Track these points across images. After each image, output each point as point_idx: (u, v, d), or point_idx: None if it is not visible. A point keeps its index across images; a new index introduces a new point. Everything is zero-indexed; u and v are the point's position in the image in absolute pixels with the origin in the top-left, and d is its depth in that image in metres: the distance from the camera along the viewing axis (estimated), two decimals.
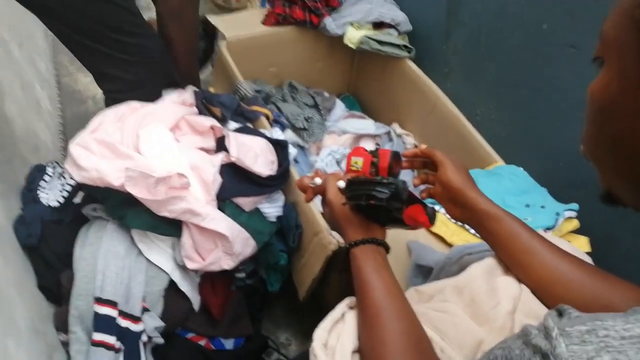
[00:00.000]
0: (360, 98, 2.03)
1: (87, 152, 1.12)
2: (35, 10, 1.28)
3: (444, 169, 0.83)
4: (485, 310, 0.74)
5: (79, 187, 1.25)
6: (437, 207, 1.12)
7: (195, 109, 1.34)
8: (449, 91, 1.60)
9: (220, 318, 1.21)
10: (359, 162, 0.84)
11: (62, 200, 1.28)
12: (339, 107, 1.88)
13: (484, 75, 1.54)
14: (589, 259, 0.81)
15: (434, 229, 1.14)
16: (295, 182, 0.92)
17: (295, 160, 1.61)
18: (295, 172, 1.31)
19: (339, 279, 1.23)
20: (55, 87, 2.13)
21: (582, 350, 0.35)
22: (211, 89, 1.72)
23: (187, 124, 1.30)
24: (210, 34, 1.81)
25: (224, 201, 1.18)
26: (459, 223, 1.15)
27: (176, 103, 1.33)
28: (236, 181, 1.20)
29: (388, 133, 1.81)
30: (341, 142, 1.73)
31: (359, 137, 1.78)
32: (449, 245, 1.14)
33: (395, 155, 0.84)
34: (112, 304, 1.05)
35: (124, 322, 1.06)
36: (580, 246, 1.11)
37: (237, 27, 1.74)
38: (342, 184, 0.80)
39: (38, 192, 1.30)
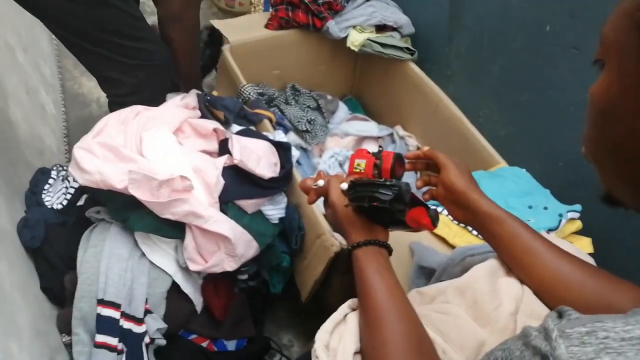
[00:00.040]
0: (363, 100, 2.03)
1: (90, 155, 1.13)
2: (39, 14, 1.29)
3: (447, 171, 0.83)
4: (487, 312, 0.74)
5: (82, 189, 1.26)
6: (439, 209, 1.13)
7: (198, 112, 1.35)
8: (452, 93, 1.60)
9: (222, 320, 1.21)
10: (361, 164, 0.84)
11: (65, 202, 1.29)
12: (342, 109, 1.89)
13: (486, 77, 1.54)
14: (591, 260, 0.81)
15: (437, 230, 1.14)
16: (298, 184, 0.92)
17: (298, 163, 1.61)
18: (297, 174, 1.31)
19: (341, 281, 1.23)
20: (59, 91, 2.14)
21: (581, 352, 0.35)
22: (215, 93, 1.72)
23: (190, 127, 1.30)
24: (217, 40, 1.82)
25: (226, 203, 1.18)
26: (462, 224, 1.15)
27: (179, 106, 1.33)
28: (239, 183, 1.21)
29: (391, 135, 1.81)
30: (344, 144, 1.73)
31: (362, 139, 1.78)
32: (452, 246, 1.13)
33: (398, 158, 0.84)
34: (114, 305, 1.06)
35: (126, 324, 1.06)
36: (583, 247, 1.10)
37: (241, 31, 1.75)
38: (344, 185, 0.80)
39: (42, 195, 1.31)
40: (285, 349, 1.48)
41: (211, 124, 1.29)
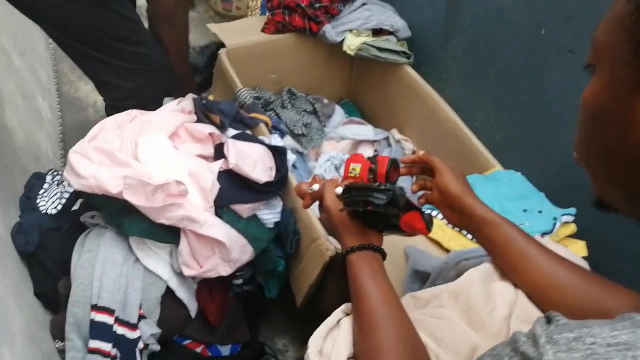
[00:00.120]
0: (360, 104, 2.03)
1: (86, 160, 1.13)
2: (37, 18, 1.29)
3: (442, 175, 0.83)
4: (481, 316, 0.74)
5: (77, 194, 1.25)
6: (434, 213, 1.13)
7: (194, 117, 1.35)
8: (448, 97, 1.60)
9: (217, 325, 1.21)
10: (357, 168, 0.84)
11: (60, 207, 1.29)
12: (339, 113, 1.89)
13: (483, 81, 1.55)
14: (585, 264, 0.81)
15: (432, 234, 1.14)
16: (294, 189, 0.92)
17: (294, 167, 1.61)
18: (294, 179, 1.31)
19: (336, 285, 1.22)
20: (56, 96, 2.14)
21: (569, 358, 0.35)
22: (211, 97, 1.72)
23: (186, 131, 1.30)
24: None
25: (222, 208, 1.18)
26: (457, 228, 1.15)
27: (175, 111, 1.33)
28: (234, 188, 1.20)
29: (387, 139, 1.81)
30: (340, 148, 1.74)
31: (358, 143, 1.78)
32: (447, 250, 1.14)
33: (394, 163, 0.84)
34: (109, 311, 1.05)
35: (120, 330, 1.05)
36: (577, 251, 1.10)
37: (238, 35, 1.75)
38: (339, 190, 0.80)
39: (37, 200, 1.31)
40: (280, 354, 1.48)
41: (207, 129, 1.29)
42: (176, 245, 1.12)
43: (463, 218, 0.81)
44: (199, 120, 1.34)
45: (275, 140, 1.43)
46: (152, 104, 1.43)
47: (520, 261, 0.74)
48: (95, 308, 1.05)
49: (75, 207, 1.29)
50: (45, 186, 1.36)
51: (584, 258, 0.87)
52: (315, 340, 0.71)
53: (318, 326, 0.74)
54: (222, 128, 1.34)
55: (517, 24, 1.37)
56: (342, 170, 1.63)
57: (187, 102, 1.36)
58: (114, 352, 1.04)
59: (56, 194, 1.32)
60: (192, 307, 1.17)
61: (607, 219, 0.53)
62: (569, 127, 1.26)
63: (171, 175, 1.11)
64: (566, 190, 1.27)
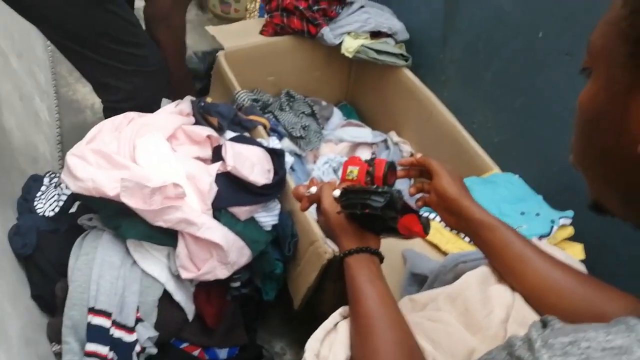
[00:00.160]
0: (358, 107, 2.03)
1: (83, 162, 1.13)
2: (34, 20, 1.29)
3: (439, 178, 0.83)
4: (478, 319, 0.74)
5: (74, 197, 1.25)
6: (432, 215, 1.13)
7: (192, 119, 1.35)
8: (446, 99, 1.60)
9: (215, 328, 1.20)
10: (354, 171, 0.84)
11: (57, 210, 1.28)
12: (337, 115, 1.89)
13: (480, 83, 1.55)
14: (582, 267, 0.81)
15: (429, 237, 1.14)
16: (291, 191, 0.92)
17: (292, 169, 1.61)
18: (292, 181, 1.31)
19: (334, 288, 1.22)
20: (53, 98, 2.14)
21: None
22: (209, 99, 1.72)
23: (184, 133, 1.30)
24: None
25: (219, 210, 1.18)
26: (454, 231, 1.15)
27: (173, 113, 1.33)
28: (232, 190, 1.20)
29: (385, 141, 1.81)
30: (338, 150, 1.74)
31: (356, 145, 1.78)
32: (444, 253, 1.14)
33: (391, 165, 0.84)
34: (105, 314, 1.05)
35: (117, 333, 1.05)
36: (574, 253, 1.11)
37: (236, 37, 1.75)
38: (337, 192, 0.80)
39: (34, 202, 1.31)
40: (278, 357, 1.47)
41: (205, 131, 1.29)
42: (173, 248, 1.12)
43: (460, 221, 0.81)
44: (196, 123, 1.34)
45: (273, 142, 1.43)
46: (150, 105, 1.43)
47: (517, 264, 0.74)
48: (92, 311, 1.05)
49: (73, 210, 1.29)
50: (43, 188, 1.36)
51: (581, 261, 0.87)
52: (313, 343, 0.71)
53: (315, 329, 0.74)
54: (220, 130, 1.34)
55: (514, 26, 1.38)
56: (340, 173, 1.63)
57: (185, 104, 1.36)
58: (111, 355, 1.04)
59: (53, 196, 1.32)
60: (189, 309, 1.16)
61: (604, 221, 0.53)
62: (567, 130, 1.25)
63: (168, 177, 1.11)
64: (564, 193, 1.27)
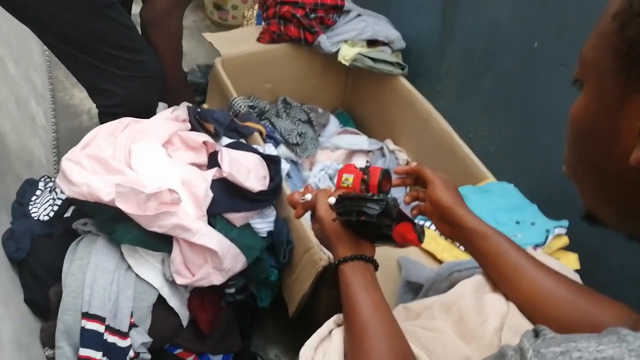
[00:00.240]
0: (354, 114, 2.04)
1: (78, 167, 1.13)
2: (31, 24, 1.29)
3: (433, 187, 0.83)
4: (472, 328, 0.74)
5: (69, 201, 1.25)
6: (427, 224, 1.13)
7: (188, 125, 1.35)
8: (442, 108, 1.61)
9: (209, 334, 1.20)
10: (349, 178, 0.84)
11: (52, 214, 1.28)
12: (333, 123, 1.89)
13: (476, 92, 1.56)
14: (576, 277, 0.81)
15: (424, 245, 1.14)
16: (286, 198, 0.92)
17: (288, 176, 1.61)
18: (287, 188, 1.31)
19: (329, 295, 1.22)
20: (50, 102, 2.14)
21: None
22: (205, 106, 1.72)
23: (179, 139, 1.30)
24: None
25: (214, 216, 1.18)
26: (449, 239, 1.16)
27: (169, 119, 1.33)
28: (227, 196, 1.20)
29: (381, 149, 1.81)
30: (334, 157, 1.74)
31: (352, 152, 1.78)
32: (439, 261, 1.14)
33: (386, 173, 0.84)
34: (99, 319, 1.05)
35: (111, 338, 1.05)
36: (569, 263, 1.11)
37: (233, 44, 1.75)
38: (332, 200, 0.80)
39: (29, 206, 1.30)
40: None
41: (201, 137, 1.29)
42: (168, 253, 1.12)
43: (454, 229, 0.81)
44: (192, 129, 1.34)
45: (269, 149, 1.43)
46: (146, 110, 1.43)
47: (511, 273, 0.75)
48: (86, 316, 1.04)
49: (67, 214, 1.29)
50: (38, 192, 1.36)
51: (576, 270, 0.87)
52: (307, 351, 0.71)
53: (310, 336, 0.74)
54: (215, 136, 1.34)
55: (510, 37, 1.39)
56: (335, 180, 1.63)
57: (181, 110, 1.36)
58: None
59: (48, 201, 1.32)
60: (184, 315, 1.16)
61: (599, 231, 0.53)
62: (562, 139, 1.26)
63: (164, 183, 1.11)
64: (559, 203, 1.28)
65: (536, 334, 0.42)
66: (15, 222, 1.26)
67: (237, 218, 1.20)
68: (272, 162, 1.31)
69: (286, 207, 1.27)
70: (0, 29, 1.80)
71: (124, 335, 1.07)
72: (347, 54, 1.73)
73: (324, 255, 1.14)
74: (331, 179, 1.64)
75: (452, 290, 0.80)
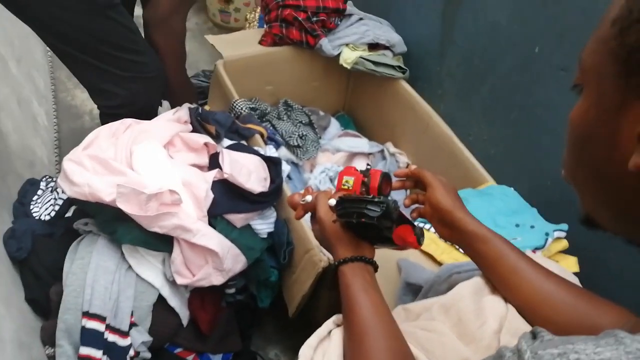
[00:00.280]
0: (355, 117, 2.05)
1: (80, 167, 1.13)
2: (33, 25, 1.29)
3: (433, 190, 0.84)
4: (471, 330, 0.74)
5: (71, 201, 1.25)
6: (427, 226, 1.14)
7: (189, 126, 1.35)
8: (443, 112, 1.61)
9: (208, 334, 1.20)
10: (350, 181, 0.85)
11: (53, 214, 1.28)
12: (334, 125, 1.90)
13: (477, 96, 1.56)
14: (576, 280, 0.82)
15: (424, 247, 1.14)
16: (286, 199, 0.92)
17: (289, 177, 1.62)
18: (288, 189, 1.31)
19: (329, 296, 1.22)
20: (52, 103, 2.14)
21: None
22: (207, 107, 1.73)
23: (181, 140, 1.31)
24: None
25: (215, 217, 1.18)
26: (449, 242, 1.16)
27: (171, 120, 1.34)
28: (228, 198, 1.21)
29: (382, 152, 1.82)
30: (335, 160, 1.74)
31: (353, 155, 1.78)
32: (439, 263, 1.14)
33: (385, 176, 0.85)
34: (100, 318, 1.05)
35: (111, 337, 1.05)
36: (568, 266, 1.11)
37: (235, 47, 1.76)
38: (333, 201, 0.80)
39: (30, 206, 1.31)
40: None
41: (202, 138, 1.30)
42: (169, 254, 1.12)
43: (454, 232, 0.81)
44: (194, 130, 1.35)
45: (270, 150, 1.43)
46: (147, 111, 1.44)
47: (510, 276, 0.75)
48: (87, 315, 1.05)
49: (68, 214, 1.29)
50: (39, 192, 1.36)
51: (575, 274, 0.87)
52: (306, 351, 0.71)
53: (309, 336, 0.74)
54: (217, 138, 1.35)
55: (511, 41, 1.39)
56: (336, 182, 1.64)
57: (183, 111, 1.37)
58: (105, 359, 1.04)
59: (49, 200, 1.32)
60: (184, 315, 1.16)
61: (598, 235, 0.54)
62: (561, 143, 1.27)
63: (165, 184, 1.11)
64: (558, 206, 1.28)
65: (534, 335, 0.42)
66: (16, 222, 1.26)
67: (237, 219, 1.21)
68: (273, 164, 1.31)
69: (286, 209, 1.27)
70: (2, 29, 1.81)
71: (124, 334, 1.07)
72: (348, 57, 1.74)
73: (324, 257, 1.14)
74: (332, 181, 1.65)
75: (451, 292, 0.81)
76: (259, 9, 2.24)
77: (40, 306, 1.17)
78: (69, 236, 1.19)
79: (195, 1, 1.57)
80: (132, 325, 1.09)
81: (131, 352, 1.07)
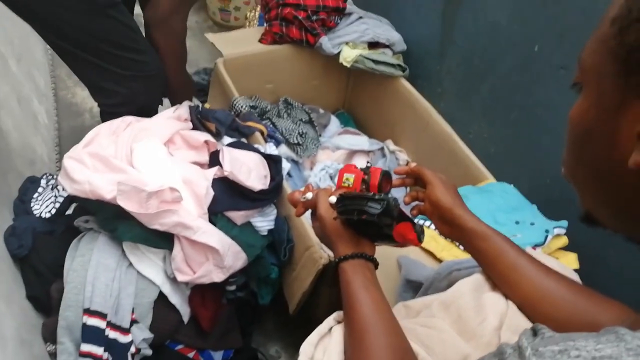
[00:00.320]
0: (355, 115, 2.05)
1: (80, 165, 1.13)
2: (34, 23, 1.29)
3: (433, 187, 0.84)
4: (472, 326, 0.74)
5: (71, 199, 1.26)
6: (427, 223, 1.14)
7: (189, 124, 1.35)
8: (443, 110, 1.62)
9: (209, 331, 1.20)
10: (350, 178, 0.85)
11: (54, 211, 1.29)
12: (334, 123, 1.90)
13: (476, 95, 1.56)
14: (576, 277, 0.82)
15: (424, 244, 1.15)
16: (287, 197, 0.93)
17: (289, 175, 1.62)
18: (288, 187, 1.32)
19: (329, 293, 1.23)
20: (52, 101, 2.14)
21: None
22: (207, 105, 1.73)
23: (181, 138, 1.31)
24: None
25: (215, 215, 1.18)
26: (449, 239, 1.16)
27: (171, 118, 1.34)
28: (228, 195, 1.21)
29: (381, 149, 1.82)
30: (335, 157, 1.74)
31: (353, 153, 1.79)
32: (439, 260, 1.14)
33: (386, 174, 0.85)
34: (101, 315, 1.05)
35: (112, 334, 1.05)
36: (568, 263, 1.11)
37: (235, 45, 1.76)
38: (334, 198, 0.81)
39: (31, 203, 1.31)
40: None
41: (202, 136, 1.30)
42: (169, 251, 1.13)
43: (454, 230, 0.82)
44: (194, 128, 1.35)
45: (270, 148, 1.44)
46: (147, 110, 1.44)
47: (511, 273, 0.75)
48: (87, 312, 1.05)
49: (69, 211, 1.29)
50: (40, 190, 1.36)
51: (575, 270, 0.88)
52: (307, 347, 0.72)
53: (310, 333, 0.74)
54: (217, 136, 1.35)
55: (510, 41, 1.39)
56: (336, 180, 1.64)
57: (183, 109, 1.37)
58: (106, 355, 1.04)
59: (50, 198, 1.32)
60: (185, 312, 1.17)
61: (598, 232, 0.54)
62: (560, 141, 1.27)
63: (165, 181, 1.11)
64: (558, 203, 1.29)
65: (534, 332, 0.42)
66: (17, 219, 1.27)
67: (238, 216, 1.21)
68: (273, 162, 1.31)
69: (287, 206, 1.28)
70: (2, 28, 1.80)
71: (125, 331, 1.07)
72: (348, 55, 1.74)
73: (324, 254, 1.14)
74: (332, 178, 1.65)
75: (451, 288, 0.81)
76: (258, 8, 2.24)
77: (41, 303, 1.17)
78: (69, 234, 1.19)
79: (196, 1, 1.57)
80: (133, 322, 1.09)
81: (132, 349, 1.08)
